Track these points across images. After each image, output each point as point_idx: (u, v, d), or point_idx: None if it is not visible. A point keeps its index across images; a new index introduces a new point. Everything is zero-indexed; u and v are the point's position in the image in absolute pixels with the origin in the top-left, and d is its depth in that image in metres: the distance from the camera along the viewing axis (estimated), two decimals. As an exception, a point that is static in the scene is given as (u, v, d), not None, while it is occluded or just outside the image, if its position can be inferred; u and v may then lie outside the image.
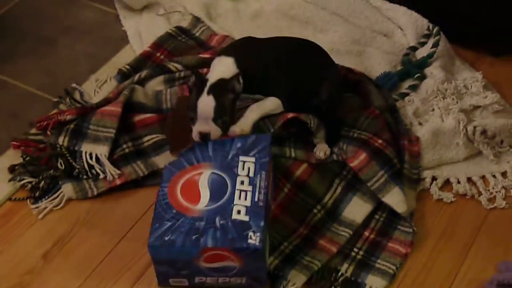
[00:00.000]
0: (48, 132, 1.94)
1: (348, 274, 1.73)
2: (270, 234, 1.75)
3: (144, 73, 2.09)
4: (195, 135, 1.74)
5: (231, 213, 1.62)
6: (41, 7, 2.42)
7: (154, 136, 1.95)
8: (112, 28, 2.35)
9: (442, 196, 1.91)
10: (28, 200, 1.84)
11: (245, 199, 1.64)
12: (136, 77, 2.07)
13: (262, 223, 1.60)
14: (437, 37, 2.23)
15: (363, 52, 2.26)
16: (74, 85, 2.13)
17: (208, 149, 1.74)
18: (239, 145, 1.74)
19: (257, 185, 1.67)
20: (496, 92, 2.13)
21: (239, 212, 1.62)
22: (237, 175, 1.68)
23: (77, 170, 1.89)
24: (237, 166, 1.70)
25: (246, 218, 1.61)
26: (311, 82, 1.91)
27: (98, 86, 2.14)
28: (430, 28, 2.29)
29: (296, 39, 2.01)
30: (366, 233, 1.81)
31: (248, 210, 1.62)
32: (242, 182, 1.67)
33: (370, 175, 1.83)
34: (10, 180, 1.87)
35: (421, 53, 2.24)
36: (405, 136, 1.96)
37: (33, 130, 1.98)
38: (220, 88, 1.73)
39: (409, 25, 2.32)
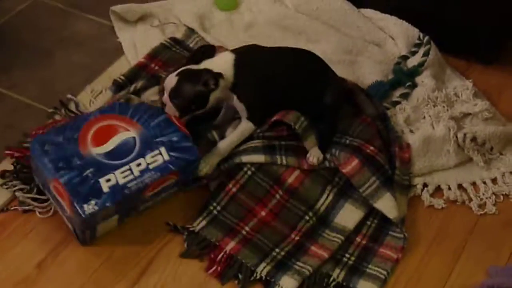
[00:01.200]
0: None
1: (340, 279, 1.74)
2: (261, 241, 1.78)
3: (139, 83, 2.11)
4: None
5: (103, 175, 1.68)
6: (38, 19, 2.45)
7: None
8: (107, 39, 2.38)
9: (433, 203, 1.93)
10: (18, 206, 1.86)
11: (124, 177, 1.69)
12: (132, 88, 2.10)
13: (108, 204, 1.65)
14: (427, 46, 2.26)
15: (355, 61, 2.29)
16: (69, 95, 2.15)
17: (155, 120, 1.80)
18: (174, 139, 1.78)
19: (143, 178, 1.71)
20: (486, 99, 2.16)
21: (108, 180, 1.68)
22: (144, 156, 1.73)
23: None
24: (152, 151, 1.74)
25: (106, 190, 1.67)
26: (313, 89, 1.94)
27: (93, 97, 2.16)
28: (421, 37, 2.32)
29: (296, 49, 2.03)
30: (358, 239, 1.83)
31: (114, 186, 1.68)
32: (138, 164, 1.72)
33: (362, 181, 1.85)
34: (1, 185, 1.88)
35: (412, 62, 2.27)
36: (396, 143, 1.98)
37: (28, 139, 1.99)
38: (188, 75, 1.81)
39: (400, 34, 2.35)
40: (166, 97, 1.84)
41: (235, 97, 1.87)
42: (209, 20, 2.44)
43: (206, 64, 1.85)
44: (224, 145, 1.88)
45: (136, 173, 1.71)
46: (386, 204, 1.82)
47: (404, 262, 1.79)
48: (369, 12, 2.44)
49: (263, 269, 1.73)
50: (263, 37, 2.37)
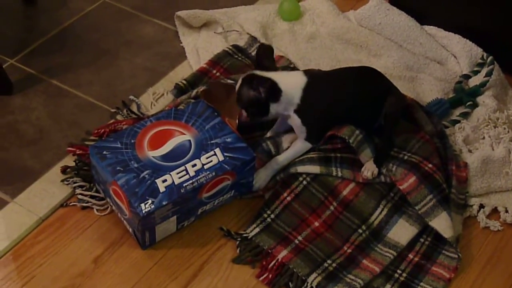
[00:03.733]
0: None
1: (390, 295, 1.74)
2: (313, 251, 1.78)
3: (200, 89, 2.14)
4: None
5: (159, 176, 1.72)
6: (104, 21, 2.50)
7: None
8: (171, 44, 2.42)
9: (489, 224, 1.91)
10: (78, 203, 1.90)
11: (180, 177, 1.73)
12: (193, 92, 2.12)
13: (165, 202, 1.69)
14: (490, 67, 2.24)
15: (416, 78, 2.28)
16: (131, 97, 2.19)
17: (210, 123, 1.85)
18: (228, 140, 1.83)
19: (199, 177, 1.74)
20: (548, 123, 2.13)
21: (164, 181, 1.72)
22: (199, 157, 1.77)
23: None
24: (207, 152, 1.79)
25: (162, 189, 1.71)
26: (374, 106, 1.94)
27: (155, 99, 2.19)
28: (484, 57, 2.30)
29: (357, 68, 2.03)
30: (410, 256, 1.82)
31: (170, 187, 1.72)
32: (194, 165, 1.76)
33: (419, 198, 1.85)
34: (62, 181, 1.93)
35: (474, 81, 2.25)
36: (453, 161, 1.97)
37: (90, 138, 2.04)
38: (247, 82, 1.83)
39: (463, 53, 2.33)
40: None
41: (297, 119, 1.88)
42: (272, 30, 2.45)
43: (278, 76, 1.86)
44: (278, 161, 1.90)
45: (192, 173, 1.74)
46: (442, 223, 1.81)
47: (456, 283, 1.78)
48: (432, 29, 2.43)
49: (314, 280, 1.74)
50: (324, 49, 2.38)
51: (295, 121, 1.89)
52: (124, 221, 1.81)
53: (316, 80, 1.90)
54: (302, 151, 1.93)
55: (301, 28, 2.47)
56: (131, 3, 2.56)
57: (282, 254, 1.79)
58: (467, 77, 2.28)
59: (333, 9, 2.50)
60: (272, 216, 1.86)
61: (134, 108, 2.16)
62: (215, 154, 1.79)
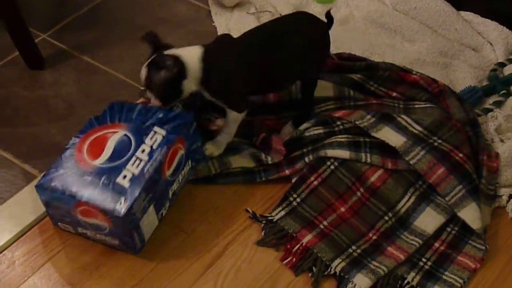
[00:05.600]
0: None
1: (414, 283, 1.73)
2: (338, 236, 1.77)
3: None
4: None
5: (118, 176, 1.68)
6: (137, -2, 2.51)
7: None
8: (203, 23, 2.41)
9: (518, 215, 1.89)
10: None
11: (137, 167, 1.70)
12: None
13: (137, 193, 1.65)
14: (527, 55, 2.20)
15: (450, 64, 2.25)
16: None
17: (134, 112, 1.81)
18: (160, 115, 1.80)
19: (154, 157, 1.72)
20: None
21: (124, 177, 1.68)
22: (143, 142, 1.74)
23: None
24: (148, 135, 1.76)
25: (127, 185, 1.67)
26: (292, 65, 1.90)
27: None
28: (521, 45, 2.26)
29: (280, 18, 2.01)
30: (436, 244, 1.80)
31: (133, 178, 1.68)
32: (143, 151, 1.73)
33: (448, 189, 1.82)
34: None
35: (509, 69, 2.21)
36: (485, 151, 1.94)
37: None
38: (156, 63, 1.77)
39: (500, 40, 2.29)
40: (148, 92, 1.83)
41: (206, 93, 1.83)
42: (305, 11, 2.43)
43: (177, 51, 1.79)
44: (223, 137, 1.91)
45: (145, 157, 1.72)
46: (471, 214, 1.79)
47: (482, 274, 1.76)
48: (468, 15, 2.39)
49: (338, 265, 1.73)
50: (357, 33, 2.35)
51: (205, 95, 1.84)
52: (106, 238, 1.74)
53: (215, 48, 1.83)
54: (236, 119, 1.88)
55: (335, 11, 2.44)
56: (164, -20, 2.56)
57: (307, 238, 1.78)
58: (502, 65, 2.24)
59: (368, -8, 2.47)
60: (298, 200, 1.85)
61: (163, 86, 2.16)
62: (156, 132, 1.76)
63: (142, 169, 1.70)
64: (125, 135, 1.76)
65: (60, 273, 1.72)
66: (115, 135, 1.76)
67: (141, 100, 2.08)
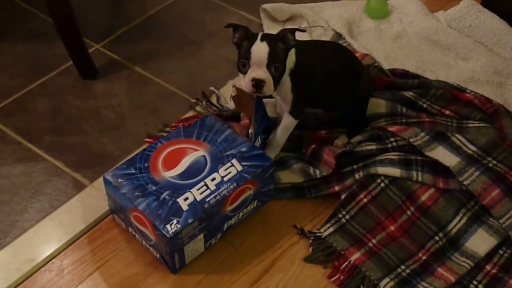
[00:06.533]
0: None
1: (465, 306, 1.69)
2: (387, 255, 1.75)
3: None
4: (246, 83, 1.74)
5: (180, 195, 1.69)
6: (189, 11, 2.51)
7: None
8: (255, 37, 2.41)
9: None
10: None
11: (201, 193, 1.70)
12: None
13: (190, 220, 1.65)
14: None
15: (505, 83, 2.21)
16: (212, 88, 2.19)
17: (221, 135, 1.82)
18: (244, 149, 1.80)
19: (221, 190, 1.71)
20: None
21: (186, 199, 1.69)
22: (217, 171, 1.74)
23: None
24: (224, 164, 1.76)
25: (185, 208, 1.67)
26: (347, 80, 1.93)
27: (234, 92, 2.19)
28: None
29: (326, 41, 2.04)
30: (488, 267, 1.76)
31: (193, 203, 1.68)
32: (213, 179, 1.73)
33: (503, 212, 1.79)
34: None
35: None
36: (540, 173, 1.90)
37: (166, 129, 2.05)
38: (273, 37, 1.76)
39: (556, 60, 2.25)
40: (258, 71, 1.73)
41: (289, 83, 1.80)
42: (358, 27, 2.42)
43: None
44: (273, 143, 1.91)
45: (212, 187, 1.71)
46: (525, 237, 1.75)
47: (535, 298, 1.72)
48: (525, 34, 2.35)
49: (386, 284, 1.70)
50: (410, 49, 2.33)
51: (285, 87, 1.81)
52: (151, 249, 1.76)
53: (303, 45, 1.84)
54: (289, 127, 1.88)
55: (388, 27, 2.42)
56: (217, -7, 2.57)
57: (355, 256, 1.76)
58: (558, 85, 2.19)
59: (422, 8, 2.44)
60: (347, 217, 1.83)
61: (213, 99, 2.16)
62: (232, 165, 1.76)
63: (205, 197, 1.70)
64: (203, 156, 1.78)
65: (107, 283, 1.72)
66: (194, 153, 1.78)
67: (192, 114, 2.08)
